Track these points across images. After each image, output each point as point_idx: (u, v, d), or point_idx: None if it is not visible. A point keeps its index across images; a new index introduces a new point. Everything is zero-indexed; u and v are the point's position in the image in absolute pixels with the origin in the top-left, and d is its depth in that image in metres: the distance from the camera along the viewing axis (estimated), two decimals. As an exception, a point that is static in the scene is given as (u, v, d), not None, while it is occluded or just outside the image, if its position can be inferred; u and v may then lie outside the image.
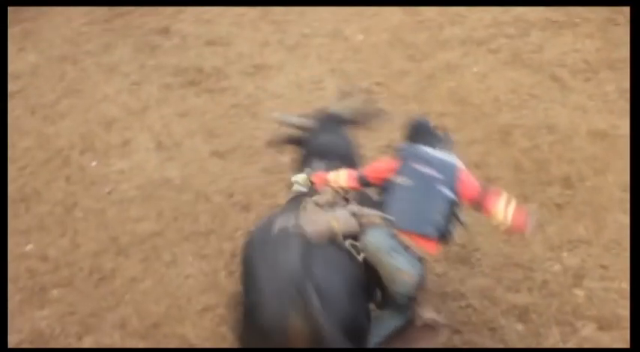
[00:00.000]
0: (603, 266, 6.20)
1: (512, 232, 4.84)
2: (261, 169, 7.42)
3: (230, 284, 6.30)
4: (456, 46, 8.95)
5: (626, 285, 6.10)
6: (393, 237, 4.59)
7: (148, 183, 7.41)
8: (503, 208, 4.67)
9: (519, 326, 5.85)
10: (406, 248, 4.59)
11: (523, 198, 6.76)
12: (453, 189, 4.71)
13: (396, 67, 8.71)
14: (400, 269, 4.55)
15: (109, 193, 7.38)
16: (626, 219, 6.58)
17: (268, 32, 9.44)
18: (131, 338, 5.99)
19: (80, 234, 6.91)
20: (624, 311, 5.90)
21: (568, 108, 7.84)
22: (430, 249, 4.66)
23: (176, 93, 8.65)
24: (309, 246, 4.36)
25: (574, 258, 6.27)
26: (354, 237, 4.60)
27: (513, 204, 4.69)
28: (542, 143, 7.42)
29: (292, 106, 8.16)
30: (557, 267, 6.22)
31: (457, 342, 5.71)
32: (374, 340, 4.70)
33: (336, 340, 4.12)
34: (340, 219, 4.63)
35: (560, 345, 5.73)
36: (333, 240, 4.52)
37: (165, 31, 9.65)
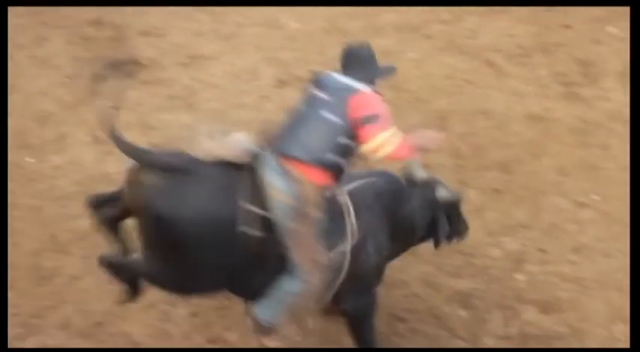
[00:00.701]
0: (542, 250, 6.31)
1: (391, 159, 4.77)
2: (200, 161, 7.36)
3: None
4: (391, 33, 8.95)
5: (565, 268, 6.22)
6: (276, 160, 4.63)
7: (87, 178, 7.28)
8: (383, 138, 4.59)
9: (463, 313, 5.94)
10: (286, 171, 4.60)
11: (462, 184, 6.83)
12: (341, 114, 4.62)
13: (332, 55, 8.57)
14: (276, 188, 4.59)
15: (47, 190, 7.25)
16: (563, 202, 6.72)
17: (203, 22, 9.32)
18: (75, 337, 5.92)
19: (18, 233, 6.77)
20: (565, 293, 6.03)
21: (504, 93, 7.93)
22: (311, 176, 4.63)
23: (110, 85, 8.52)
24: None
25: (514, 243, 6.37)
26: None
27: (398, 135, 4.65)
28: (479, 128, 7.50)
29: (228, 96, 8.13)
30: (497, 252, 6.32)
31: (402, 330, 5.78)
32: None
33: None
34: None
35: (504, 330, 5.83)
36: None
37: (98, 23, 9.47)
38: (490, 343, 5.76)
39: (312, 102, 4.72)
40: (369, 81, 4.83)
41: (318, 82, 4.82)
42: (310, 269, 4.73)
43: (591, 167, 7.03)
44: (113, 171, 7.28)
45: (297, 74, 8.34)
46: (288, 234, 4.68)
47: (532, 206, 6.69)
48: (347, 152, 4.68)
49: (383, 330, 5.68)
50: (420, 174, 5.31)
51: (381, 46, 8.64)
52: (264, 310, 5.02)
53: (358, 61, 4.91)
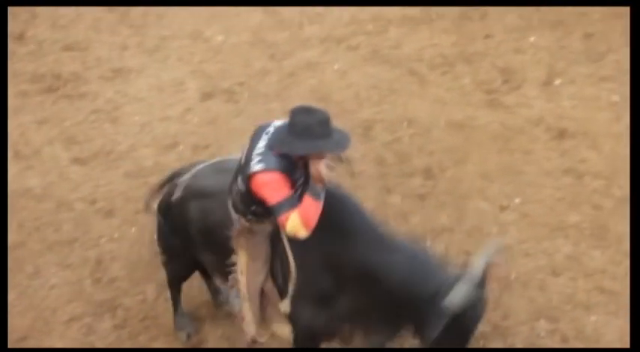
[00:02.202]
0: (466, 252, 6.35)
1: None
2: (123, 174, 7.31)
3: (96, 292, 6.20)
4: (316, 44, 9.00)
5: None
6: None
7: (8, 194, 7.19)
8: (292, 225, 4.48)
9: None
10: None
11: (386, 191, 6.88)
12: (248, 187, 4.58)
13: (257, 67, 8.71)
14: None
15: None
16: (485, 206, 6.79)
17: (127, 35, 9.29)
18: (-3, 353, 5.81)
19: None
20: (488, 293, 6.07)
21: (427, 101, 8.00)
22: None
23: (34, 100, 8.42)
24: None
25: (438, 246, 6.40)
26: None
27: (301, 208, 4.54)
28: (403, 136, 7.55)
29: (154, 110, 8.10)
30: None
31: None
32: None
33: None
34: None
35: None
36: None
37: (20, 37, 9.37)
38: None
39: (239, 161, 4.72)
40: (288, 150, 4.47)
41: (252, 135, 4.70)
42: None
43: (513, 172, 7.11)
44: (34, 186, 7.21)
45: (222, 87, 8.35)
46: None
47: (455, 210, 6.75)
48: (266, 213, 4.66)
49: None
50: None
51: (306, 58, 8.79)
52: None
53: (297, 127, 4.40)
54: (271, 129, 4.58)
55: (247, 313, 5.01)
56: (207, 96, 8.27)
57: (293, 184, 4.53)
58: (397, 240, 4.76)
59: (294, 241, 4.66)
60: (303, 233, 4.46)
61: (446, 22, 9.15)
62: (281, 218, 4.46)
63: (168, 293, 5.92)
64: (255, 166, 4.46)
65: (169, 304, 5.93)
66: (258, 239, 4.84)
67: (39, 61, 9.02)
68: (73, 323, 6.01)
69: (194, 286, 6.05)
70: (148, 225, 6.63)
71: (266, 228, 4.79)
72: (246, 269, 4.89)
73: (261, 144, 4.53)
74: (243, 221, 4.76)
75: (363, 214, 4.82)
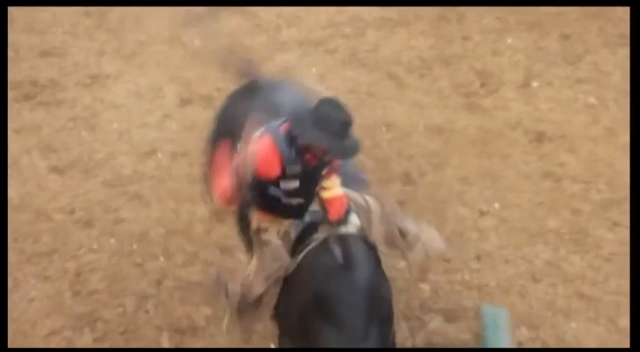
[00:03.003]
0: (446, 260, 6.37)
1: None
2: (101, 183, 7.25)
3: (75, 304, 6.17)
4: (293, 48, 8.98)
5: (468, 276, 6.31)
6: None
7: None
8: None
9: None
10: None
11: (366, 198, 6.88)
12: None
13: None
14: None
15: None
16: (465, 212, 6.81)
17: (104, 41, 9.21)
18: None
19: None
20: (469, 301, 6.11)
21: (405, 105, 8.01)
22: None
23: (11, 108, 8.35)
24: None
25: (418, 253, 6.40)
26: None
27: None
28: (381, 141, 7.56)
29: (132, 116, 8.04)
30: (402, 264, 6.34)
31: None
32: None
33: None
34: None
35: (410, 340, 5.87)
36: None
37: (-5, 44, 9.32)
38: (397, 354, 5.81)
39: None
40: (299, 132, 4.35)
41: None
42: None
43: (492, 176, 7.14)
44: (12, 196, 7.15)
45: (201, 92, 8.30)
46: None
47: (435, 216, 6.74)
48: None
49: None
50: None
51: (284, 62, 8.75)
52: None
53: (318, 115, 4.25)
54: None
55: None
56: (185, 102, 8.23)
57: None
58: None
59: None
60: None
61: (423, 23, 9.15)
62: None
63: (148, 306, 5.93)
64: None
65: (149, 316, 5.93)
66: (268, 252, 4.73)
67: (16, 67, 8.95)
68: (53, 337, 5.97)
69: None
70: (127, 235, 6.65)
71: (276, 244, 4.71)
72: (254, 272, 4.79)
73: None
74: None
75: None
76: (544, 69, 8.30)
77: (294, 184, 4.49)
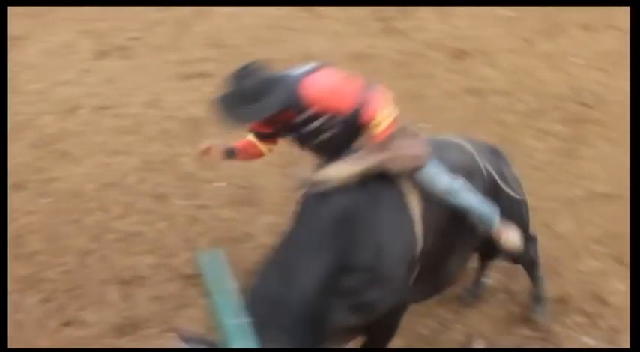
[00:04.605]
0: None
1: None
2: (28, 145, 7.11)
3: (18, 267, 6.07)
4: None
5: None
6: None
7: None
8: None
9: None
10: None
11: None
12: None
13: (147, 19, 8.54)
14: None
15: None
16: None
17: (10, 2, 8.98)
18: None
19: None
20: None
21: (325, 35, 7.98)
22: None
23: None
24: None
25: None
26: None
27: None
28: (305, 73, 7.52)
29: (48, 75, 7.88)
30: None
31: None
32: None
33: None
34: None
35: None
36: None
37: None
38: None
39: None
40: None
41: None
42: None
43: (417, 97, 7.19)
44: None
45: (116, 43, 8.17)
46: None
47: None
48: None
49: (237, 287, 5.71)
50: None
51: (194, 4, 8.62)
52: None
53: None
54: None
55: None
56: (101, 54, 8.09)
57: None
58: None
59: None
60: None
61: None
62: None
63: (90, 261, 5.90)
64: None
65: (93, 271, 5.90)
66: None
67: None
68: (0, 302, 5.90)
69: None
70: (60, 194, 6.57)
71: None
72: None
73: None
74: None
75: None
76: (458, -15, 8.32)
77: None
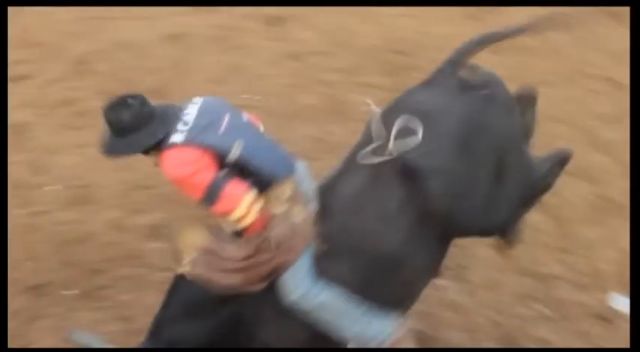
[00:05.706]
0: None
1: None
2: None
3: None
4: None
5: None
6: None
7: None
8: None
9: (159, 245, 5.98)
10: None
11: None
12: None
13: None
14: None
15: None
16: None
17: None
18: None
19: None
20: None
21: (134, 19, 7.77)
22: None
23: None
24: None
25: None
26: None
27: None
28: (122, 62, 7.36)
29: None
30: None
31: (106, 281, 5.76)
32: None
33: None
34: None
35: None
36: None
37: None
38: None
39: None
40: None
41: None
42: None
43: (239, 69, 7.19)
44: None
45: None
46: None
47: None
48: None
49: (82, 288, 5.65)
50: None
51: None
52: None
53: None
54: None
55: None
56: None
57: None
58: None
59: None
60: None
61: None
62: None
63: None
64: None
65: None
66: None
67: None
68: None
69: None
70: None
71: None
72: None
73: None
74: None
75: None
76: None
77: None
